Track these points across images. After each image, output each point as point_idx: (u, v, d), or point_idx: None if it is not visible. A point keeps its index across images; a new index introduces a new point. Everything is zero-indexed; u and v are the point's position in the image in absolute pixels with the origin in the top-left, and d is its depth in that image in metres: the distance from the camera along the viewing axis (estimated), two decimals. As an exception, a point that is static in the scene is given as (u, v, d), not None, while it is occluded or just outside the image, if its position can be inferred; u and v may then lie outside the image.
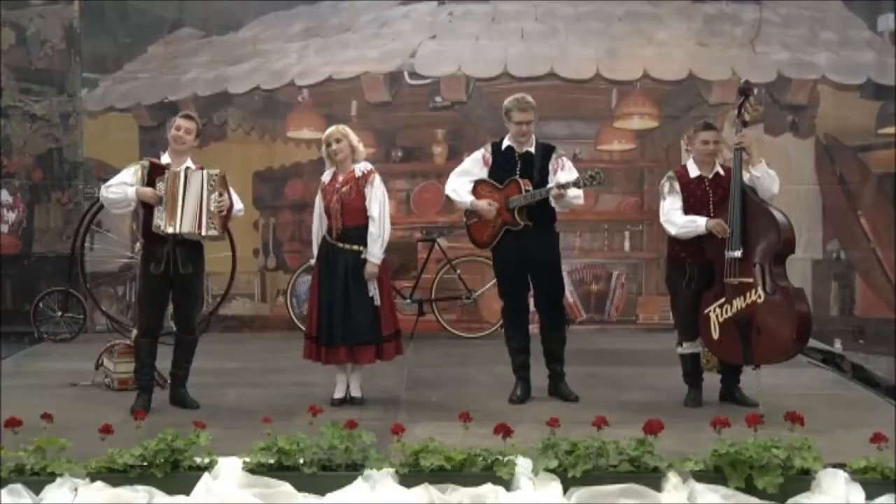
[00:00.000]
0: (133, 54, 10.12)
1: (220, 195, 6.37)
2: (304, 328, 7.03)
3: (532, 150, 6.71)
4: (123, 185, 6.38)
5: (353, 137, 6.61)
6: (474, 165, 6.82)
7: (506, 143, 6.75)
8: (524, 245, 6.63)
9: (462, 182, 6.79)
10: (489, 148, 6.82)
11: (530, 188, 6.58)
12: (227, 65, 10.10)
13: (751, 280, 6.26)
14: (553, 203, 6.59)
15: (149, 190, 6.34)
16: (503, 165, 6.71)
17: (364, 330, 6.51)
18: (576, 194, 6.57)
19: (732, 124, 6.95)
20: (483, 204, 6.66)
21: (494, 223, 6.69)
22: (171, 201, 6.29)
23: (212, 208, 6.35)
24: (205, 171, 6.39)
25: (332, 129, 6.65)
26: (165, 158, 6.50)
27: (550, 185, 6.55)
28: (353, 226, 6.52)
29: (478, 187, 6.75)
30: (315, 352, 6.60)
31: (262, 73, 10.06)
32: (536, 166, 6.66)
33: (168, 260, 6.37)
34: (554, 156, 6.71)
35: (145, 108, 10.03)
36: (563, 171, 6.65)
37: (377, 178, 6.60)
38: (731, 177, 6.38)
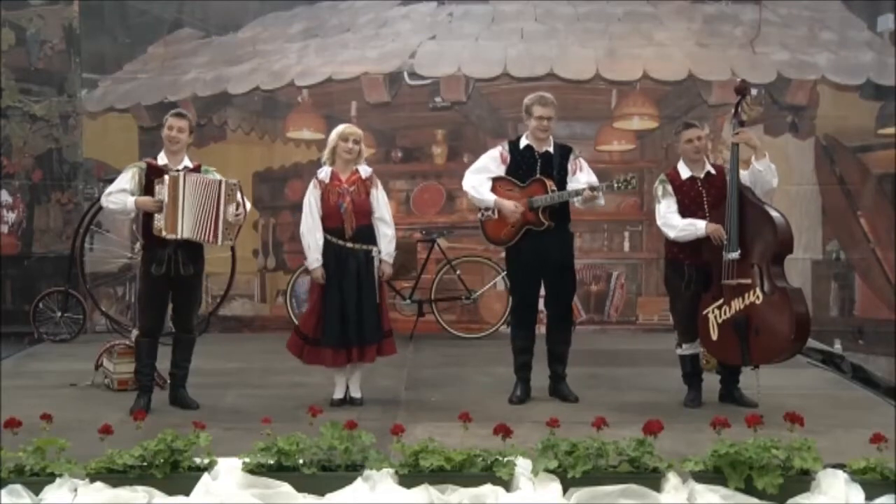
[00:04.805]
0: (133, 55, 10.12)
1: (238, 208, 6.40)
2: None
3: (551, 149, 6.70)
4: (123, 194, 6.38)
5: (363, 143, 6.71)
6: (491, 163, 6.76)
7: (524, 141, 6.73)
8: (543, 245, 6.60)
9: (481, 179, 6.72)
10: (506, 146, 6.78)
11: (555, 188, 6.58)
12: (226, 65, 10.10)
13: (749, 281, 6.26)
14: (579, 204, 6.62)
15: (148, 199, 6.34)
16: (522, 164, 6.68)
17: (373, 328, 6.56)
18: (600, 195, 6.62)
19: (731, 124, 6.95)
20: (510, 206, 6.58)
21: (515, 221, 6.65)
22: (171, 206, 6.28)
23: (230, 220, 6.39)
24: (223, 183, 6.40)
25: (353, 127, 6.71)
26: (162, 159, 6.49)
27: (578, 186, 6.55)
28: (363, 225, 6.58)
29: (496, 184, 6.70)
30: (318, 355, 6.59)
31: (262, 74, 10.06)
32: (555, 166, 6.65)
33: (169, 261, 6.37)
34: (572, 156, 6.72)
35: (145, 109, 10.03)
36: (583, 173, 6.67)
37: (378, 181, 6.70)
38: (728, 177, 6.37)
